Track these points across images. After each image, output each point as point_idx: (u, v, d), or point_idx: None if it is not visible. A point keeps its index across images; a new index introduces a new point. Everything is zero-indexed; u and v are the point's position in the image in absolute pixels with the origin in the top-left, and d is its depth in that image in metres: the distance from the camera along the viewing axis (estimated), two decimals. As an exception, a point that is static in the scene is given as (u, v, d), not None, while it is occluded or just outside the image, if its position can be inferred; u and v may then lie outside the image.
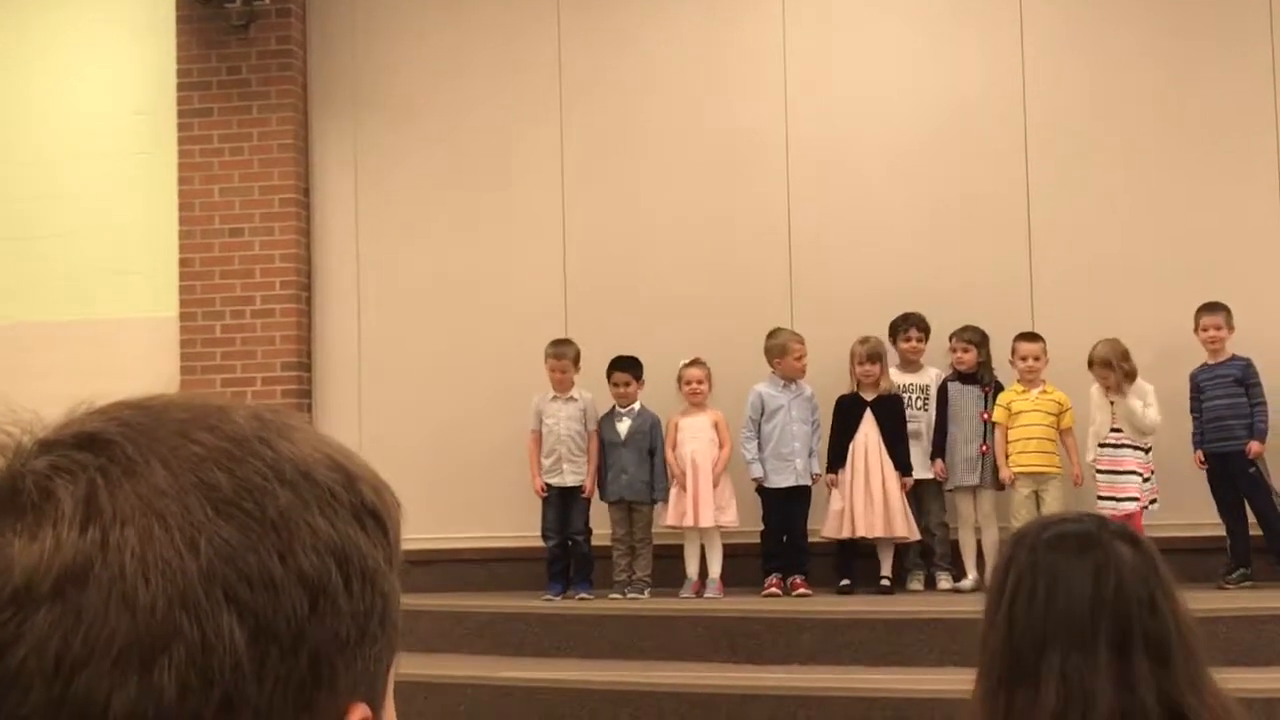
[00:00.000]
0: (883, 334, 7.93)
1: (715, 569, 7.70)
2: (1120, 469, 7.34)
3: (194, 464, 0.71)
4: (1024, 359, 7.65)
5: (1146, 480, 7.33)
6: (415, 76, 8.90)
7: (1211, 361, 7.53)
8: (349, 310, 8.90)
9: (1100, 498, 7.24)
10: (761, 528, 7.78)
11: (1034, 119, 8.17)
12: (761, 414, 7.79)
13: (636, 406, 7.93)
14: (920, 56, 8.37)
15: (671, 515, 7.76)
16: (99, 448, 0.71)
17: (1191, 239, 7.92)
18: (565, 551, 7.87)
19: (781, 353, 7.83)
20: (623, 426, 7.90)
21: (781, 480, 7.71)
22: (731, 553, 7.73)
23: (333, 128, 8.99)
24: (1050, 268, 8.06)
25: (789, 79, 8.44)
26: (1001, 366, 7.82)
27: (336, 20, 9.04)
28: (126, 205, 9.01)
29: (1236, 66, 7.97)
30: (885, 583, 7.65)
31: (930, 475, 7.78)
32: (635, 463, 7.83)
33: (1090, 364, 7.45)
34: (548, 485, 7.90)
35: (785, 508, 7.72)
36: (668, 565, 7.78)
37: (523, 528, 8.05)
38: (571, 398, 7.97)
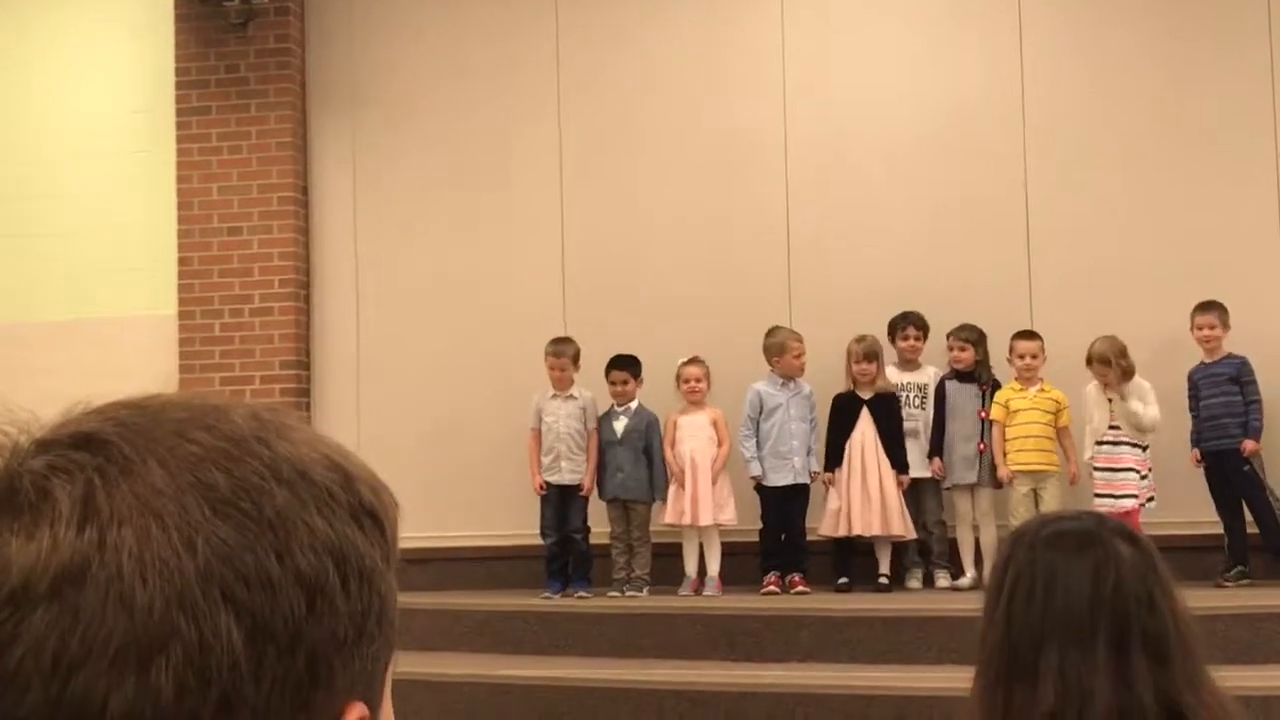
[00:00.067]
0: (881, 333, 7.93)
1: (714, 567, 7.71)
2: (1118, 466, 7.34)
3: (191, 464, 0.71)
4: (1021, 357, 7.65)
5: (1144, 478, 7.34)
6: (413, 75, 8.89)
7: (1208, 360, 7.54)
8: (347, 308, 8.90)
9: (1097, 495, 7.24)
10: (760, 526, 7.79)
11: (1033, 120, 8.17)
12: (760, 412, 7.80)
13: (634, 405, 7.93)
14: (919, 58, 8.37)
15: (670, 513, 7.76)
16: (96, 447, 0.71)
17: (1190, 239, 7.92)
18: (564, 550, 7.87)
19: (780, 351, 7.83)
20: (619, 425, 7.91)
21: (780, 478, 7.72)
22: (730, 551, 7.74)
23: (331, 126, 8.99)
24: (1049, 268, 8.06)
25: (788, 79, 8.44)
26: (999, 365, 7.83)
27: (335, 18, 9.04)
28: (125, 204, 9.01)
29: (1235, 68, 7.97)
30: (883, 581, 7.66)
31: (928, 474, 7.79)
32: (630, 461, 7.83)
33: (1088, 361, 7.45)
34: (546, 483, 7.90)
35: (784, 506, 7.73)
36: (666, 563, 7.78)
37: (521, 526, 8.05)
38: (571, 396, 7.97)
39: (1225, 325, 7.50)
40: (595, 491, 7.93)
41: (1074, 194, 8.08)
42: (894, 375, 7.94)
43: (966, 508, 7.73)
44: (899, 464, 7.70)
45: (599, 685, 6.36)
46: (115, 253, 8.97)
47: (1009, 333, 7.74)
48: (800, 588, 7.50)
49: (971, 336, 7.80)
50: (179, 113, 8.94)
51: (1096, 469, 7.39)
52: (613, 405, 7.96)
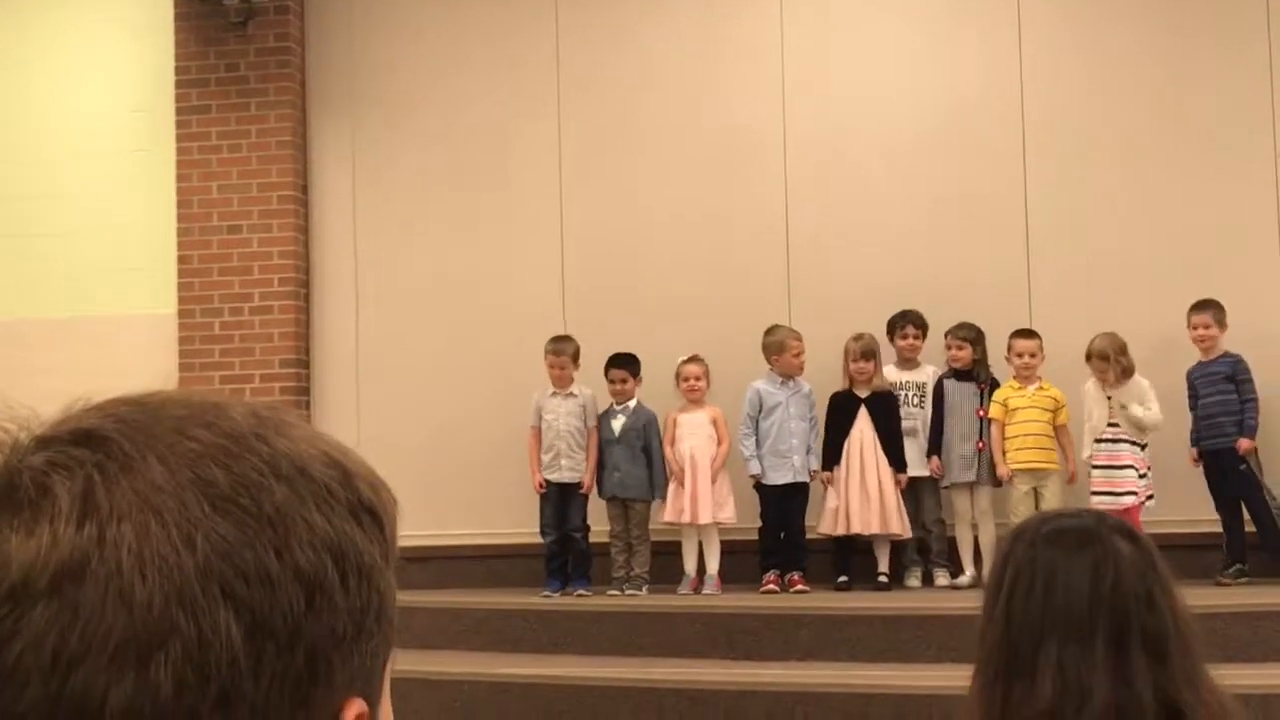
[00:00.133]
0: (880, 332, 7.93)
1: (713, 565, 7.71)
2: (1117, 463, 7.34)
3: (191, 460, 0.71)
4: (1020, 356, 7.65)
5: (1143, 476, 7.34)
6: (413, 73, 8.89)
7: (1204, 359, 7.54)
8: (347, 307, 8.90)
9: (1096, 493, 7.23)
10: (759, 524, 7.78)
11: (1032, 117, 8.17)
12: (759, 411, 7.80)
13: (632, 404, 7.93)
14: (918, 55, 8.37)
15: (670, 511, 7.77)
16: (96, 444, 0.71)
17: (1189, 236, 7.92)
18: (563, 548, 7.87)
19: (779, 350, 7.83)
20: (617, 424, 7.91)
21: (779, 477, 7.72)
22: (729, 549, 7.74)
23: (331, 124, 8.99)
24: (1048, 266, 8.06)
25: (787, 77, 8.44)
26: (997, 363, 7.83)
27: (334, 17, 9.03)
28: (125, 202, 9.01)
29: (1233, 65, 7.97)
30: (882, 579, 7.66)
31: (926, 473, 7.79)
32: (628, 460, 7.83)
33: (1088, 357, 7.45)
34: (546, 481, 7.90)
35: (783, 504, 7.73)
36: (666, 562, 7.78)
37: (521, 524, 8.05)
38: (571, 394, 7.98)
39: (1220, 324, 7.50)
40: (595, 490, 7.93)
41: (1073, 191, 8.08)
42: (893, 374, 7.94)
43: (965, 506, 7.73)
44: (896, 462, 7.71)
45: (598, 684, 6.36)
46: (115, 251, 8.96)
47: (1008, 331, 7.74)
48: (799, 586, 7.50)
49: (969, 335, 7.80)
50: (179, 111, 8.93)
51: (1095, 467, 7.39)
52: (612, 404, 7.97)
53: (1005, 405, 7.62)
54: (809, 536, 7.71)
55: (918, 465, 7.79)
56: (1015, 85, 8.19)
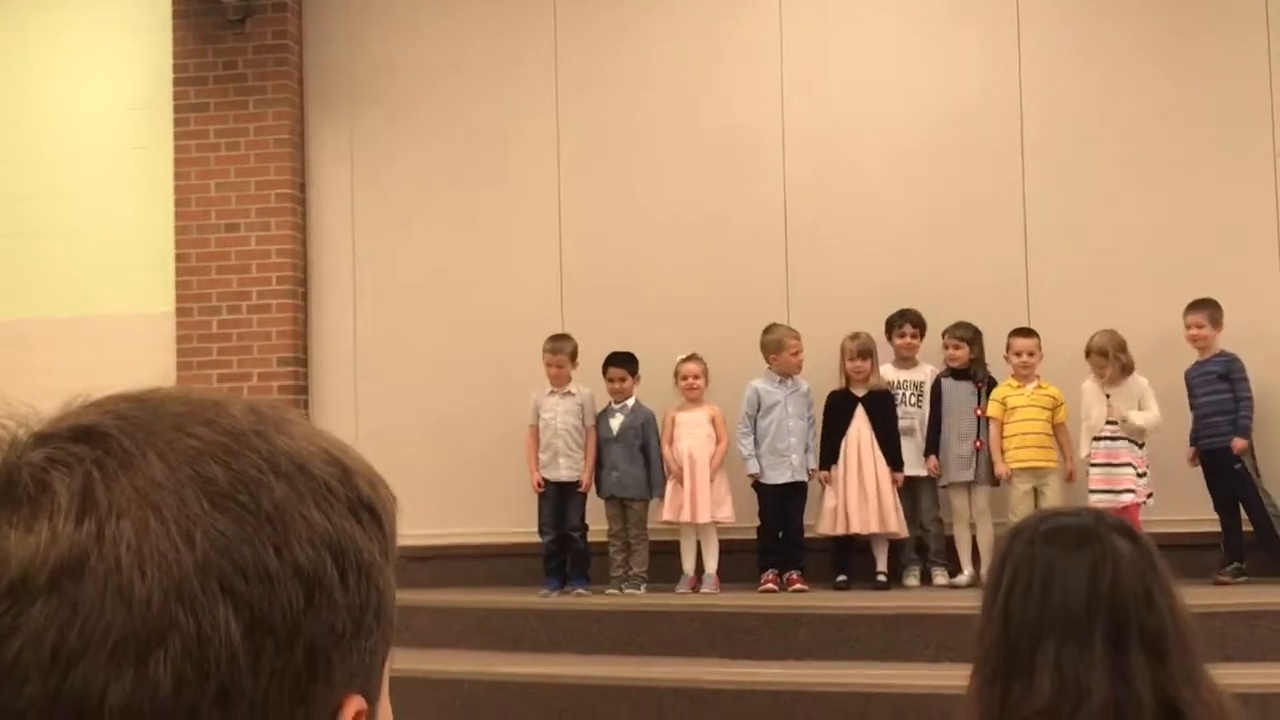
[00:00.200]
0: (878, 331, 7.93)
1: (712, 564, 7.71)
2: (1116, 462, 7.34)
3: (190, 457, 0.71)
4: (1019, 354, 7.65)
5: (1142, 475, 7.34)
6: (411, 71, 8.89)
7: (1200, 359, 7.54)
8: (345, 305, 8.90)
9: (1094, 491, 7.23)
10: (758, 523, 7.78)
11: (1031, 117, 8.17)
12: (758, 410, 7.80)
13: (630, 403, 7.93)
14: (917, 55, 8.37)
15: (668, 510, 7.76)
16: (95, 441, 0.71)
17: (1188, 235, 7.92)
18: (562, 547, 7.87)
19: (778, 348, 7.83)
20: (615, 422, 7.91)
21: (778, 476, 7.72)
22: (728, 548, 7.74)
23: (329, 123, 8.99)
24: (1047, 265, 8.06)
25: (786, 76, 8.44)
26: (995, 362, 7.83)
27: (332, 15, 9.03)
28: (123, 201, 9.01)
29: (1233, 64, 7.97)
30: (881, 578, 7.66)
31: (923, 472, 7.79)
32: (626, 459, 7.83)
33: (1087, 353, 7.45)
34: (544, 480, 7.90)
35: (781, 503, 7.73)
36: (664, 561, 7.78)
37: (520, 523, 8.05)
38: (569, 392, 7.97)
39: (1215, 324, 7.49)
40: (593, 489, 7.93)
41: (1072, 191, 8.08)
42: (891, 373, 7.94)
43: (963, 505, 7.74)
44: (894, 461, 7.71)
45: (597, 683, 6.36)
46: (113, 250, 8.96)
47: (1007, 330, 7.74)
48: (798, 585, 7.50)
49: (966, 334, 7.80)
50: (177, 109, 8.93)
51: (1094, 465, 7.39)
52: (610, 403, 7.97)
53: (1004, 404, 7.62)
54: (807, 535, 7.71)
55: (915, 464, 7.79)
56: (1014, 85, 8.19)
